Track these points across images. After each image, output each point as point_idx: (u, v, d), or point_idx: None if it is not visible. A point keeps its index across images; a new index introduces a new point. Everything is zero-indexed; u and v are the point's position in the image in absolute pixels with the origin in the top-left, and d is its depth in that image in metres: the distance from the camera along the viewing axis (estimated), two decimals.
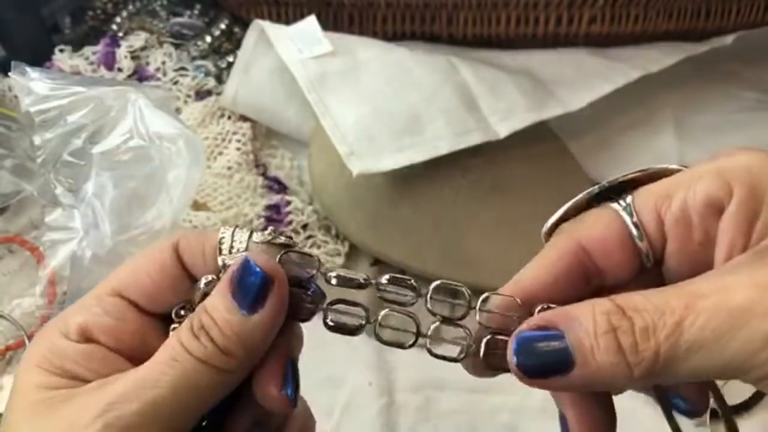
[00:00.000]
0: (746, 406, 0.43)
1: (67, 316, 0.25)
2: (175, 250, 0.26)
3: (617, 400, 0.44)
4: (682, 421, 0.43)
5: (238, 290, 0.24)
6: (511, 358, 0.22)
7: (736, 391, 0.43)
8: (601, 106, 0.51)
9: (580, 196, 0.25)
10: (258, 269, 0.24)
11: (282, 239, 0.26)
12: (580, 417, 0.25)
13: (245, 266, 0.24)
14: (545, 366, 0.22)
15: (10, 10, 0.57)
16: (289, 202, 0.49)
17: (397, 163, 0.45)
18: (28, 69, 0.48)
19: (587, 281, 0.25)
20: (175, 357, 0.23)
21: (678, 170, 0.24)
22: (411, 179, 0.47)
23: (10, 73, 0.49)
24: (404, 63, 0.50)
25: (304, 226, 0.49)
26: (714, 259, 0.23)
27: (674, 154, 0.53)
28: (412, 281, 0.25)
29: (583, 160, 0.54)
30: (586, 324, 0.21)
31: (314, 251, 0.48)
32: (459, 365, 0.45)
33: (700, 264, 0.23)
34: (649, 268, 0.25)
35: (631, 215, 0.24)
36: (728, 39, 0.55)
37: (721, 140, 0.53)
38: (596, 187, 0.25)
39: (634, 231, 0.24)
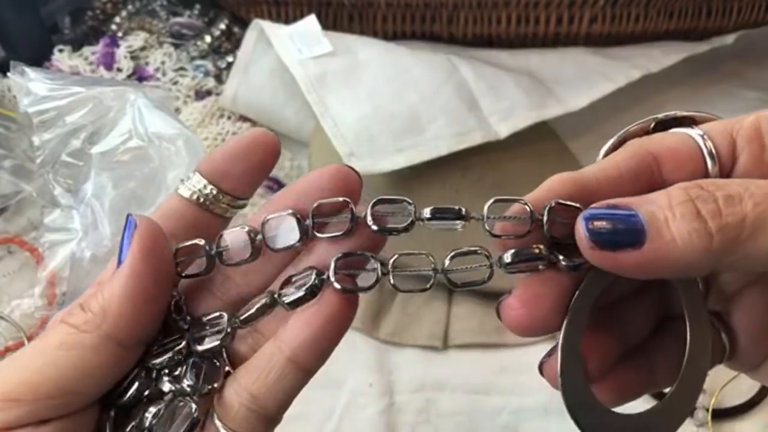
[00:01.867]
0: (747, 407, 0.43)
1: None
2: None
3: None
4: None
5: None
6: (581, 228, 0.20)
7: (736, 392, 0.43)
8: (602, 106, 0.50)
9: (644, 120, 0.24)
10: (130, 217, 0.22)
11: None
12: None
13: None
14: (615, 236, 0.20)
15: (9, 11, 0.57)
16: None
17: (397, 164, 0.45)
18: (27, 69, 0.48)
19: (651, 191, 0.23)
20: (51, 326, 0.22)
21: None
22: (411, 178, 0.47)
23: (8, 74, 0.48)
24: (404, 63, 0.49)
25: None
26: None
27: None
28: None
29: (584, 159, 0.54)
30: (660, 200, 0.20)
31: None
32: (457, 365, 0.45)
33: None
34: None
35: (702, 138, 0.22)
36: (729, 38, 0.55)
37: None
38: (661, 114, 0.24)
39: (706, 151, 0.22)
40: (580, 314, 0.22)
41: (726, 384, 0.43)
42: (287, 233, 0.23)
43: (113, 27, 0.59)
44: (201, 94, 0.56)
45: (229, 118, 0.54)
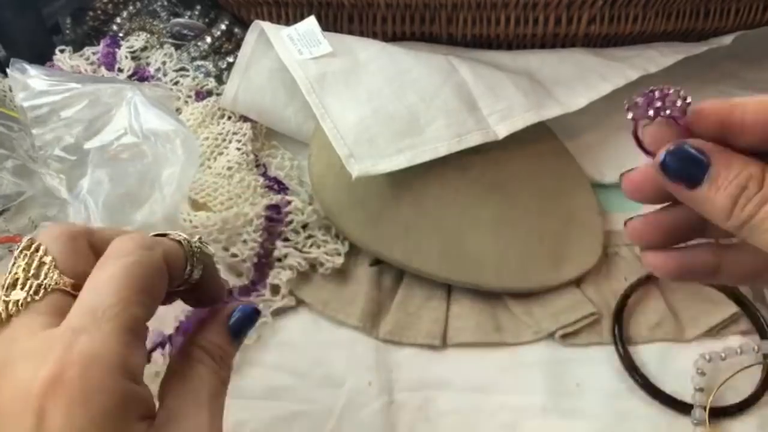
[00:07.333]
0: (744, 405, 0.43)
1: None
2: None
3: (617, 399, 0.44)
4: (681, 419, 0.43)
5: None
6: (659, 155, 0.26)
7: (734, 391, 0.43)
8: (600, 106, 0.51)
9: None
10: None
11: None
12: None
13: None
14: (681, 174, 0.26)
15: (10, 11, 0.57)
16: (289, 202, 0.49)
17: (396, 165, 0.45)
18: (27, 66, 0.48)
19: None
20: None
21: None
22: (410, 178, 0.47)
23: (7, 69, 0.49)
24: (404, 63, 0.50)
25: (305, 226, 0.49)
26: None
27: None
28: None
29: (582, 159, 0.54)
30: (731, 173, 0.25)
31: (314, 251, 0.48)
32: (456, 364, 0.45)
33: None
34: None
35: None
36: (727, 39, 0.55)
37: None
38: None
39: None
40: None
41: (724, 382, 0.43)
42: None
43: (114, 27, 0.59)
44: (202, 95, 0.56)
45: (229, 118, 0.54)
